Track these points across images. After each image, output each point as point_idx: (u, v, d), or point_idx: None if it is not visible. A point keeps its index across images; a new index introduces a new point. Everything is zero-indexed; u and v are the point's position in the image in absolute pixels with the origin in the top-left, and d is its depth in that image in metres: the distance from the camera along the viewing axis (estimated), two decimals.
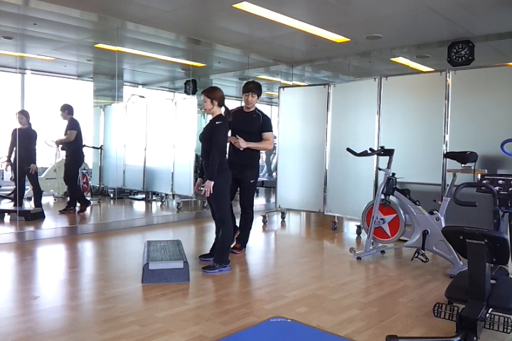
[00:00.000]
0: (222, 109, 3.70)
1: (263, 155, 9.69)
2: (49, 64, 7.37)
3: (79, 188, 6.40)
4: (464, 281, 2.41)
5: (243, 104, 4.29)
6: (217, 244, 3.72)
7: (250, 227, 4.34)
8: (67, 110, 6.10)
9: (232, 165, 3.96)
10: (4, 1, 4.54)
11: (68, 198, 6.30)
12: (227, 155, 3.87)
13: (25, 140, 5.73)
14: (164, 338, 2.33)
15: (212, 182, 3.47)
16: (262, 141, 4.16)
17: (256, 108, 4.26)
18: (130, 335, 2.35)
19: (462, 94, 4.52)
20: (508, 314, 2.35)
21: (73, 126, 6.06)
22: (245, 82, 4.41)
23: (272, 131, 4.24)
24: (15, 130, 5.68)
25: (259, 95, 4.24)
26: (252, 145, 4.08)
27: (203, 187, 3.54)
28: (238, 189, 4.28)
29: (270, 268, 3.92)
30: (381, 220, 4.23)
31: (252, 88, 4.19)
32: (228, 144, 4.13)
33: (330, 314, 2.71)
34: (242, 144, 4.02)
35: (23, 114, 5.79)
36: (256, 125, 4.17)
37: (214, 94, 3.64)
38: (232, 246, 4.02)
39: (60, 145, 6.55)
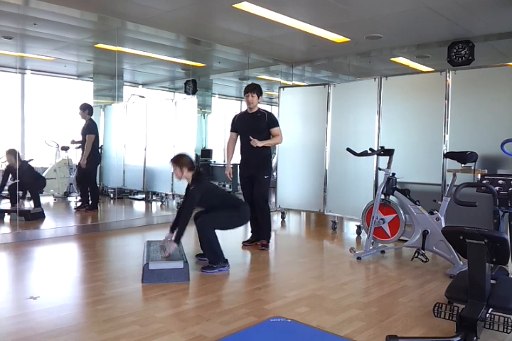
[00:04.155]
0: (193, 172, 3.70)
1: None
2: (49, 64, 7.37)
3: (97, 189, 6.43)
4: (464, 281, 2.41)
5: (244, 107, 4.42)
6: (205, 248, 3.69)
7: (269, 222, 4.53)
8: (87, 110, 6.13)
9: (246, 164, 4.45)
10: (4, 1, 4.54)
11: (80, 197, 6.34)
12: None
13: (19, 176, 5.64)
14: (164, 338, 2.33)
15: (175, 246, 3.43)
16: (271, 137, 4.38)
17: (259, 108, 4.45)
18: (130, 335, 2.35)
19: (462, 94, 4.52)
20: (508, 314, 2.35)
21: (92, 129, 6.08)
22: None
23: (278, 125, 4.45)
24: (7, 168, 5.71)
25: (259, 95, 4.42)
26: (266, 143, 4.29)
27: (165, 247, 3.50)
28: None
29: (270, 268, 3.92)
30: (381, 220, 4.23)
31: (251, 88, 4.39)
32: (241, 144, 4.46)
33: (330, 314, 2.71)
34: (258, 143, 4.23)
35: (11, 154, 5.68)
36: (262, 123, 4.37)
37: (180, 162, 3.66)
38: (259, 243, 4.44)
39: (61, 146, 6.57)
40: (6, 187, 5.85)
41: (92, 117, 6.20)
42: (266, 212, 4.45)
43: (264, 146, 4.31)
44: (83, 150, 6.17)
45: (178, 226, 3.54)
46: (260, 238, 4.54)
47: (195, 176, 3.69)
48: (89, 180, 6.28)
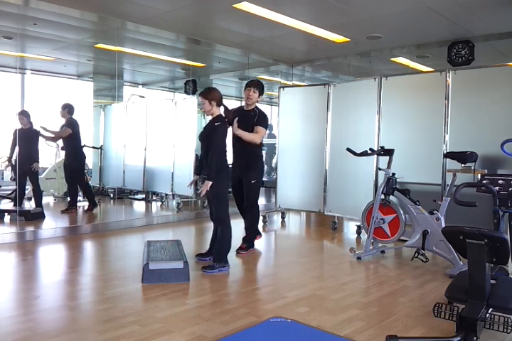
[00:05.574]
0: (222, 109, 3.70)
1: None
2: (49, 64, 7.37)
3: (90, 187, 6.43)
4: (464, 281, 2.41)
5: (243, 103, 4.31)
6: (215, 244, 3.73)
7: (255, 227, 4.41)
8: (67, 109, 6.10)
9: (235, 166, 4.22)
10: (4, 1, 4.54)
11: (69, 198, 6.32)
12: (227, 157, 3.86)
13: (26, 140, 5.76)
14: (164, 338, 2.33)
15: (210, 183, 3.48)
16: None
17: (256, 106, 4.26)
18: (130, 335, 2.35)
19: (462, 94, 4.52)
20: (508, 314, 2.35)
21: (68, 124, 6.04)
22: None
23: (263, 126, 4.15)
24: (16, 130, 5.69)
25: (260, 93, 4.22)
26: (241, 132, 3.98)
27: (201, 186, 3.55)
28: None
29: (270, 268, 3.92)
30: (381, 220, 4.23)
31: (254, 84, 4.21)
32: (232, 146, 4.21)
33: (330, 314, 2.71)
34: (235, 130, 3.96)
35: (24, 115, 5.82)
36: (254, 123, 4.15)
37: (211, 95, 3.62)
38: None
39: (60, 146, 6.55)
40: (10, 192, 5.86)
41: (74, 116, 6.11)
42: (254, 217, 4.35)
43: (253, 146, 4.11)
44: (65, 150, 6.19)
45: (208, 164, 3.50)
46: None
47: (223, 113, 3.65)
48: (79, 180, 6.25)
